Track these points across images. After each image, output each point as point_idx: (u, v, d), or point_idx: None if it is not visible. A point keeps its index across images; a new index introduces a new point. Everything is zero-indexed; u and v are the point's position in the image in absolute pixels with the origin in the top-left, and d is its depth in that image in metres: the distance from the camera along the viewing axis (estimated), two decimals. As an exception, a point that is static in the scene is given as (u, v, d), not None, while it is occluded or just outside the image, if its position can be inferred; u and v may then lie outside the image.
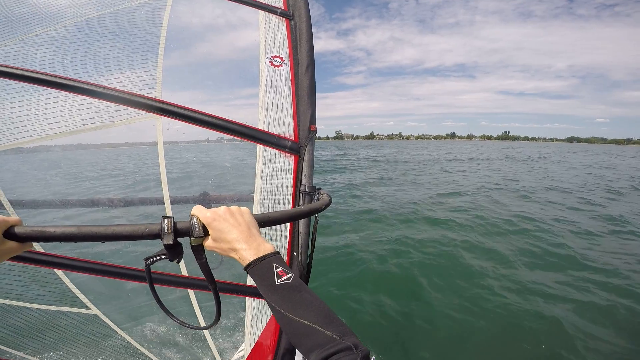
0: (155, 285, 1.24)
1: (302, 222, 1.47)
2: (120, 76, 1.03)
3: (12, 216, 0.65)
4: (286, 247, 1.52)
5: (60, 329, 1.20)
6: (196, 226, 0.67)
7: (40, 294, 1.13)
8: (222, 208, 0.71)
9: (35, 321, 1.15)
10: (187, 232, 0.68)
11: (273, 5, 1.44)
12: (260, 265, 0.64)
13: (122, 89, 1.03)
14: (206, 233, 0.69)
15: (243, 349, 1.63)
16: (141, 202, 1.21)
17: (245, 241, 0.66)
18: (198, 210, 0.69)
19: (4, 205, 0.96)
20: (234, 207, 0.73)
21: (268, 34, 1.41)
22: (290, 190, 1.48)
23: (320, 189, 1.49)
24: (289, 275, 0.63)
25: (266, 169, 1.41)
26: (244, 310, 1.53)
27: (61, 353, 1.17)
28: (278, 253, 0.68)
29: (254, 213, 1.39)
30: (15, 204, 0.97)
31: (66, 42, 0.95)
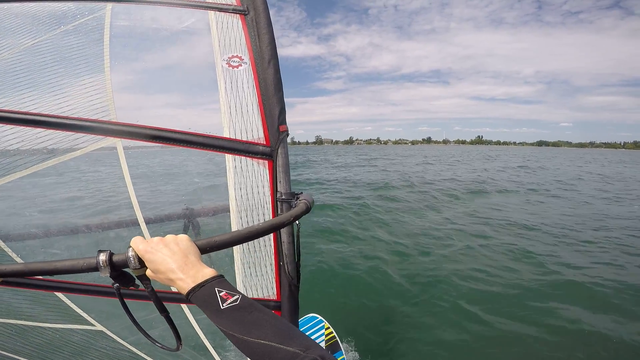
0: (145, 302, 1.18)
1: (283, 231, 1.30)
2: (70, 102, 0.98)
3: None
4: (272, 257, 1.38)
5: (74, 344, 1.26)
6: (131, 259, 0.66)
7: (48, 314, 1.19)
8: (156, 239, 0.68)
9: (52, 338, 1.22)
10: (124, 265, 0.67)
11: (223, 2, 1.27)
12: (201, 292, 0.59)
13: (75, 116, 0.99)
14: (143, 265, 0.67)
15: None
16: (117, 225, 1.18)
17: (181, 270, 0.62)
18: (135, 242, 0.68)
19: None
20: (168, 237, 0.69)
21: (222, 34, 1.25)
22: (269, 199, 1.32)
23: (300, 193, 1.29)
24: (236, 297, 0.58)
25: (239, 179, 1.27)
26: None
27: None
28: (221, 276, 0.63)
29: (232, 227, 1.26)
30: (5, 238, 1.02)
31: (8, 76, 0.94)
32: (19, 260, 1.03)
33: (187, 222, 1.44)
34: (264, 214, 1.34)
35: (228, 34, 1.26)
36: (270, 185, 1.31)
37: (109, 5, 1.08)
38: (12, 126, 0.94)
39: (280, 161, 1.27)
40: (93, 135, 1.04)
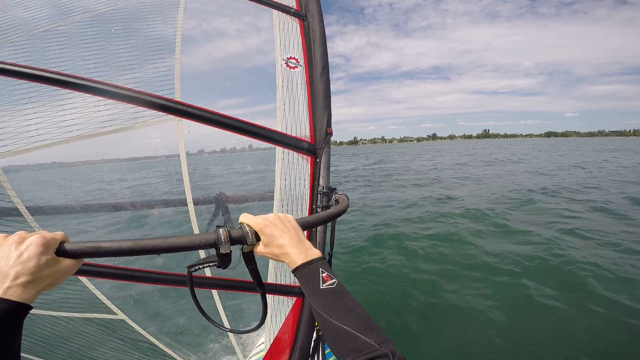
0: (180, 287, 1.13)
1: None
2: (137, 76, 0.91)
3: (57, 232, 0.57)
4: (305, 245, 1.43)
5: (88, 335, 1.11)
6: (249, 234, 0.65)
7: (66, 302, 1.03)
8: (272, 215, 0.69)
9: (62, 329, 1.06)
10: (241, 240, 0.66)
11: (286, 5, 1.32)
12: (308, 269, 0.62)
13: (140, 89, 0.92)
14: (257, 239, 0.67)
15: (262, 343, 1.56)
16: (164, 204, 1.10)
17: (296, 246, 0.65)
18: (248, 218, 0.67)
19: (22, 213, 0.86)
20: (281, 214, 0.71)
21: (282, 35, 1.30)
22: (307, 191, 1.38)
23: (335, 189, 1.40)
24: (333, 280, 0.61)
25: (285, 170, 1.31)
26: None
27: None
28: (324, 258, 0.67)
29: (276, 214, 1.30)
30: (34, 211, 0.86)
31: (77, 39, 0.83)
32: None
33: (218, 207, 1.40)
34: (302, 205, 1.39)
35: (288, 36, 1.31)
36: (310, 180, 1.38)
37: (182, -16, 1.03)
38: (70, 91, 0.83)
39: (324, 158, 1.36)
40: (155, 112, 0.97)
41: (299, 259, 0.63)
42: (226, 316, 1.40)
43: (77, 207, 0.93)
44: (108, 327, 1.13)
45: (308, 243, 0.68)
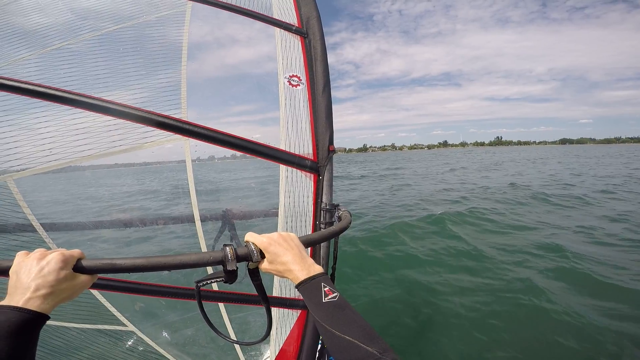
0: (187, 300, 1.12)
1: None
2: (145, 94, 0.93)
3: (75, 249, 0.60)
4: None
5: (99, 346, 1.12)
6: (254, 252, 0.68)
7: (79, 313, 1.05)
8: (275, 234, 0.71)
9: (74, 339, 1.08)
10: (246, 258, 0.68)
11: (288, 22, 1.32)
12: (310, 284, 0.64)
13: (148, 109, 0.94)
14: (262, 257, 0.69)
15: (268, 357, 1.53)
16: (172, 221, 1.11)
17: (299, 263, 0.67)
18: (252, 237, 0.70)
19: (37, 229, 0.88)
20: (284, 233, 0.73)
21: (285, 52, 1.30)
22: (311, 208, 1.36)
23: (339, 205, 1.37)
24: (335, 294, 0.62)
25: (289, 187, 1.30)
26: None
27: (99, 371, 1.09)
28: (326, 273, 0.68)
29: (279, 230, 1.29)
30: (48, 227, 0.89)
31: (87, 58, 0.86)
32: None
33: (224, 223, 1.40)
34: (306, 221, 1.37)
35: (290, 53, 1.31)
36: (313, 197, 1.35)
37: (190, 3, 1.05)
38: (82, 110, 0.85)
39: (326, 176, 1.33)
40: (162, 131, 0.98)
41: (301, 275, 0.65)
42: (232, 328, 1.39)
43: (89, 224, 0.95)
44: (118, 338, 1.14)
45: (310, 260, 0.69)
